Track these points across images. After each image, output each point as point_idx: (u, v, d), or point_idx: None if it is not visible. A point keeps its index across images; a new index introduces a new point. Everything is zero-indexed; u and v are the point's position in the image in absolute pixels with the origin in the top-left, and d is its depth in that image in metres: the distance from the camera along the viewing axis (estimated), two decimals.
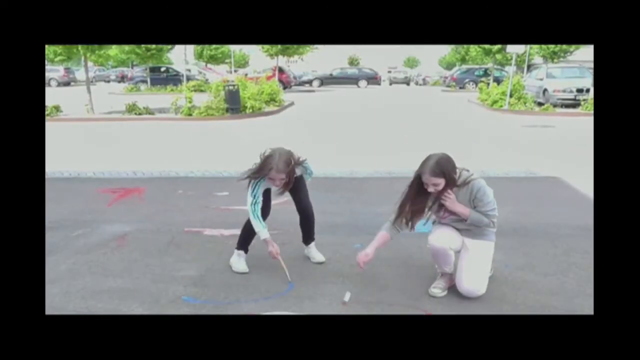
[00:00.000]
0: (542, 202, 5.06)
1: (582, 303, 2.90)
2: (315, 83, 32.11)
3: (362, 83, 31.98)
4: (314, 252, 3.58)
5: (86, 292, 3.08)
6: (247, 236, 3.42)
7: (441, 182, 2.77)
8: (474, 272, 2.97)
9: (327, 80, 32.25)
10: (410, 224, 2.99)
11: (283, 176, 3.05)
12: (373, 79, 32.77)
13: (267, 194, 3.33)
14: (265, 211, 3.31)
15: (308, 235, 3.59)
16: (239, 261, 3.43)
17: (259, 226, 3.15)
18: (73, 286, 3.15)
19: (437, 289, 3.04)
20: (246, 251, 3.45)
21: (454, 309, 2.85)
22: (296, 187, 3.34)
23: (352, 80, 32.20)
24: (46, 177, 5.29)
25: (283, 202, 3.78)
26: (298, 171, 3.27)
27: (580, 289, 3.09)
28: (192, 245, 3.85)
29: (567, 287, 3.12)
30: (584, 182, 5.57)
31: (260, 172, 3.10)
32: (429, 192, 2.86)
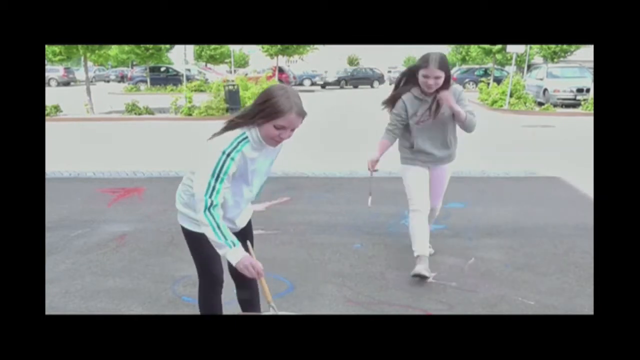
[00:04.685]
0: (542, 202, 5.06)
1: (582, 303, 2.90)
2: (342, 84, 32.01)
3: (376, 84, 32.11)
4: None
5: (86, 292, 3.08)
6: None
7: (442, 76, 2.91)
8: (443, 192, 3.45)
9: (351, 81, 32.11)
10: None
11: (301, 121, 1.93)
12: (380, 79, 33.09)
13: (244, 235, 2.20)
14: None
15: None
16: None
17: (223, 240, 1.88)
18: (73, 286, 3.15)
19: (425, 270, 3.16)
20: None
21: (454, 309, 2.85)
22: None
23: (368, 80, 32.23)
24: (46, 177, 5.29)
25: (282, 202, 3.77)
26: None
27: (580, 289, 3.09)
28: None
29: (567, 287, 3.12)
30: (584, 182, 5.57)
31: (265, 115, 1.87)
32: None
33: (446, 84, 2.97)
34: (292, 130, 1.94)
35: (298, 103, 1.90)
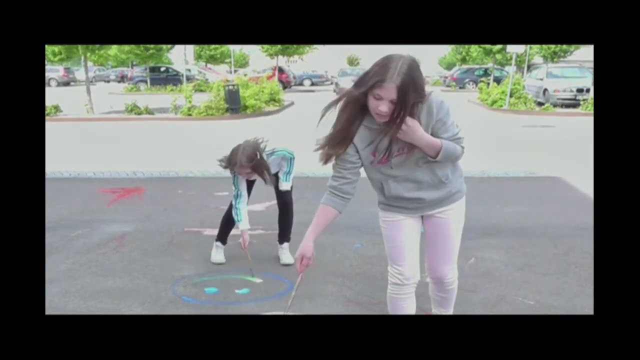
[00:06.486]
0: (542, 202, 5.06)
1: (582, 303, 2.90)
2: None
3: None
4: (283, 253, 3.50)
5: (86, 292, 3.07)
6: (225, 228, 3.52)
7: (405, 100, 1.74)
8: (453, 251, 2.23)
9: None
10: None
11: (248, 170, 3.06)
12: None
13: (251, 184, 3.42)
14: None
15: (282, 234, 3.54)
16: (216, 252, 3.54)
17: (237, 218, 3.26)
18: (73, 286, 3.14)
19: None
20: (224, 243, 3.55)
21: (454, 309, 2.85)
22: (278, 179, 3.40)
23: None
24: (46, 177, 5.29)
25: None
26: (274, 164, 3.29)
27: (580, 289, 3.09)
28: (192, 245, 3.84)
29: (567, 287, 3.12)
30: (584, 182, 5.56)
31: (229, 167, 3.13)
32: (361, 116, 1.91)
33: (413, 109, 1.80)
34: (247, 173, 3.13)
35: (240, 159, 3.01)
